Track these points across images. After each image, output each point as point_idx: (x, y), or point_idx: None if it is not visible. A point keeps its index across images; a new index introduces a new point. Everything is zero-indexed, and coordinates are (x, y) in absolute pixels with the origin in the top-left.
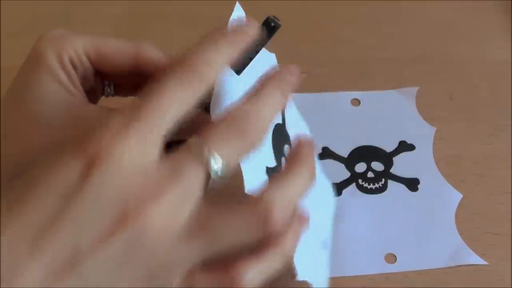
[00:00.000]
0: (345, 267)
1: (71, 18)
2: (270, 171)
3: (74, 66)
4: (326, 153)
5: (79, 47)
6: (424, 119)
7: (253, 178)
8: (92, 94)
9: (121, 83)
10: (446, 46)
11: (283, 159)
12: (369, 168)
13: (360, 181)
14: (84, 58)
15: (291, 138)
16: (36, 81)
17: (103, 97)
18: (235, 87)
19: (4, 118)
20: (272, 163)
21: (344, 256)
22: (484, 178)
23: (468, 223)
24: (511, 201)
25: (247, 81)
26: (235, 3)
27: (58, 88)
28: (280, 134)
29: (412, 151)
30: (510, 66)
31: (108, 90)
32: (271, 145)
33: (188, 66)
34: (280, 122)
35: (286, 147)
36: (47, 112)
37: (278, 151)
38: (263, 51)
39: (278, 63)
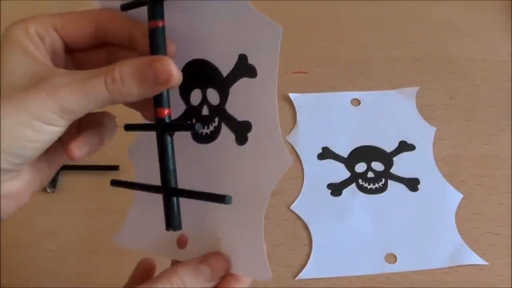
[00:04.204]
0: (345, 267)
1: None
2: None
3: (41, 38)
4: (326, 153)
5: (44, 20)
6: (424, 119)
7: None
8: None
9: (90, 59)
10: (446, 46)
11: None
12: (369, 168)
13: (360, 181)
14: (51, 30)
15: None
16: (6, 55)
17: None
18: None
19: None
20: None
21: (344, 256)
22: (484, 178)
23: (468, 223)
24: (511, 201)
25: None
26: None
27: (26, 59)
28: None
29: (412, 151)
30: (510, 66)
31: None
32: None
33: None
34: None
35: (210, 90)
36: (16, 82)
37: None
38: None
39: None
